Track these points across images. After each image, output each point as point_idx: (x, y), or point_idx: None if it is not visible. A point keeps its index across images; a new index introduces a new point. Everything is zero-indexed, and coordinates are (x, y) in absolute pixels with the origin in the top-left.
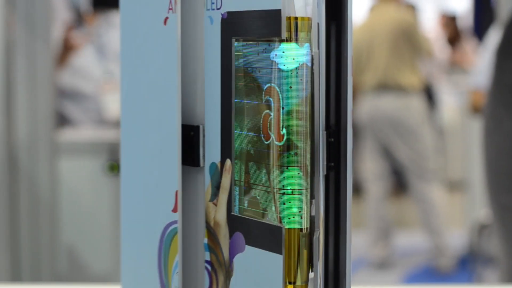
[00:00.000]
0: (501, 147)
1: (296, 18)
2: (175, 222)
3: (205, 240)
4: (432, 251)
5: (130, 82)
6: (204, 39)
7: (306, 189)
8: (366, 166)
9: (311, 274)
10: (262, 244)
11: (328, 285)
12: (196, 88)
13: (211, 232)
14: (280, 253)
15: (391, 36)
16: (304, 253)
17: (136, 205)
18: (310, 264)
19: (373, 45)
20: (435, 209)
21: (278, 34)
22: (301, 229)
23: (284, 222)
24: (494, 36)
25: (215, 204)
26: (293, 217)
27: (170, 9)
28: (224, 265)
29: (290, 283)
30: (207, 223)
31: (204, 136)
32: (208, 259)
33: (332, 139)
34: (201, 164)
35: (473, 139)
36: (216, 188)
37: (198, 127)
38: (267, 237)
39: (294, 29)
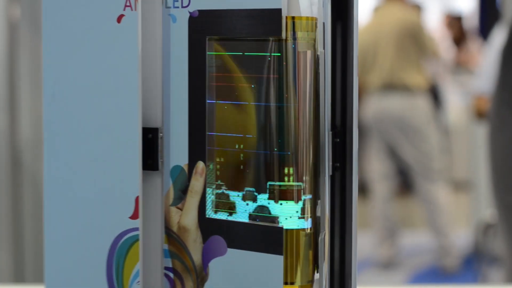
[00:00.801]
0: (506, 146)
1: (293, 17)
2: (132, 229)
3: (165, 246)
4: (437, 251)
5: (58, 82)
6: (164, 38)
7: (304, 189)
8: (372, 166)
9: (317, 275)
10: (254, 246)
11: (333, 285)
12: (154, 89)
13: (174, 238)
14: (280, 253)
15: (396, 36)
16: (310, 253)
17: (71, 214)
18: (316, 265)
19: (379, 45)
20: (441, 209)
21: (278, 33)
22: (302, 229)
23: (281, 223)
24: (499, 36)
25: (180, 209)
26: (290, 217)
27: (127, 6)
28: (194, 271)
29: (286, 283)
30: (168, 229)
31: (162, 138)
32: (170, 265)
33: (338, 140)
34: (160, 168)
35: (478, 139)
36: (181, 192)
37: (156, 129)
38: (262, 238)
39: (291, 28)
